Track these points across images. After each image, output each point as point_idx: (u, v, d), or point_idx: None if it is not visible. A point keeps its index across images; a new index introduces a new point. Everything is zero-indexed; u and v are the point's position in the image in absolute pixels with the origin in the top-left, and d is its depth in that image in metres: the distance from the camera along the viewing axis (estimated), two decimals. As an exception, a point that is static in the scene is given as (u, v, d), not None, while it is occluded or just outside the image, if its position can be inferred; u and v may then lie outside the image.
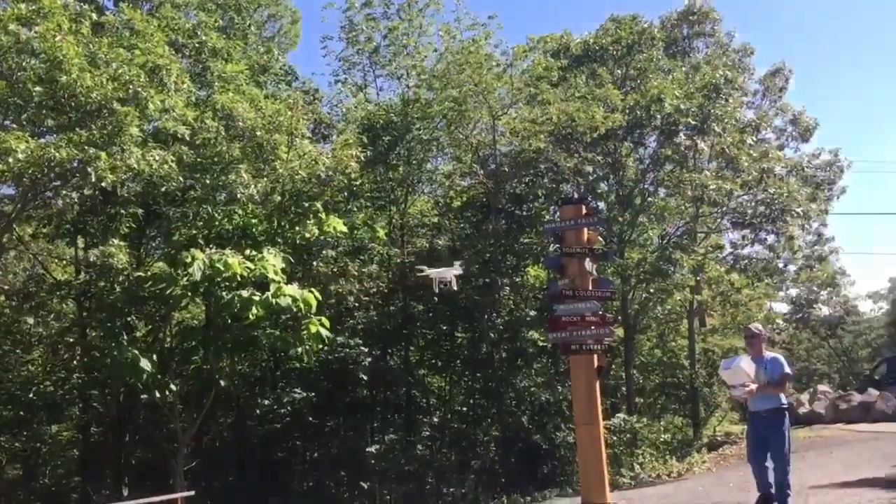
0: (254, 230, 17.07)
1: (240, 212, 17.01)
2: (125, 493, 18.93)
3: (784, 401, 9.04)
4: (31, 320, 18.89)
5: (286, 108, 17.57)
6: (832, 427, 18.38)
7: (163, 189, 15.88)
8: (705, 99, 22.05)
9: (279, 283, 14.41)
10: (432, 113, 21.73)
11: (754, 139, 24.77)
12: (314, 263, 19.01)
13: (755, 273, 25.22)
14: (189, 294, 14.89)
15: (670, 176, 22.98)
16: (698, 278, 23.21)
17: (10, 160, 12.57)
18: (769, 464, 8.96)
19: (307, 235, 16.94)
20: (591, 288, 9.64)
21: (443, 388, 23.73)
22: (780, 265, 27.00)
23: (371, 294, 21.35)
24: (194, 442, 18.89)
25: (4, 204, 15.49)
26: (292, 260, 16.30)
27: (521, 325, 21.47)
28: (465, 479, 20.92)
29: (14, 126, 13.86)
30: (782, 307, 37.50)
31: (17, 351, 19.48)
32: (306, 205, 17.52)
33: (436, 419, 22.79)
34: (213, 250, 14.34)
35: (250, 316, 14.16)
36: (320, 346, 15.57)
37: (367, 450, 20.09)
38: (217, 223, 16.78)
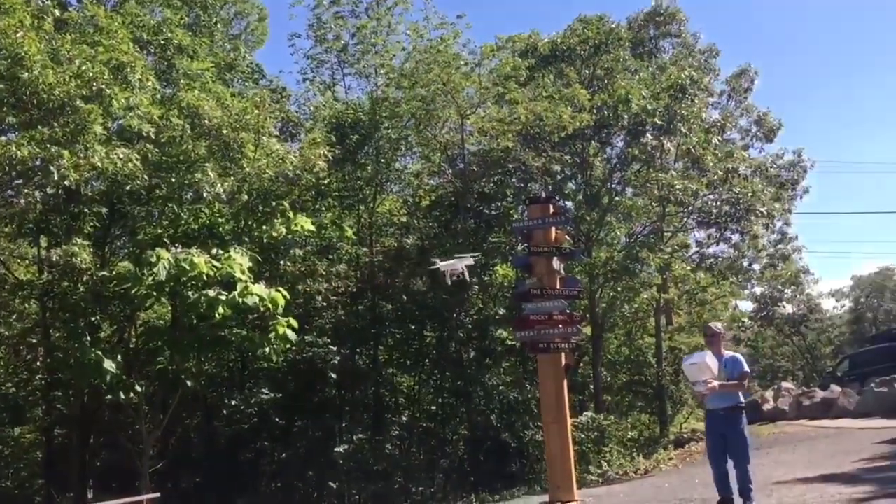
0: (220, 229, 16.91)
1: (206, 211, 16.84)
2: (90, 495, 18.70)
3: (741, 399, 9.15)
4: (-8, 321, 18.58)
5: (253, 106, 17.43)
6: (796, 423, 18.61)
7: (127, 188, 15.68)
8: (671, 99, 22.22)
9: (246, 282, 14.28)
10: (401, 112, 21.69)
11: (720, 139, 25.01)
12: (282, 263, 18.89)
13: (720, 272, 25.45)
14: (154, 294, 14.71)
15: (637, 175, 23.14)
16: (665, 277, 23.41)
17: (-29, 158, 12.36)
18: (729, 464, 9.07)
19: (275, 234, 16.82)
20: (558, 287, 9.69)
21: (411, 388, 23.71)
22: (745, 264, 27.27)
23: (339, 293, 21.28)
24: (160, 443, 18.70)
25: (-35, 203, 15.22)
26: (260, 259, 16.17)
27: (490, 324, 21.53)
28: (434, 478, 20.95)
29: (-26, 124, 13.63)
30: (747, 305, 38.03)
31: (-21, 352, 19.15)
32: (274, 204, 17.39)
33: (404, 418, 22.78)
34: (179, 249, 14.17)
35: (217, 316, 14.02)
36: (288, 347, 15.47)
37: (336, 449, 20.02)
38: (183, 222, 16.61)
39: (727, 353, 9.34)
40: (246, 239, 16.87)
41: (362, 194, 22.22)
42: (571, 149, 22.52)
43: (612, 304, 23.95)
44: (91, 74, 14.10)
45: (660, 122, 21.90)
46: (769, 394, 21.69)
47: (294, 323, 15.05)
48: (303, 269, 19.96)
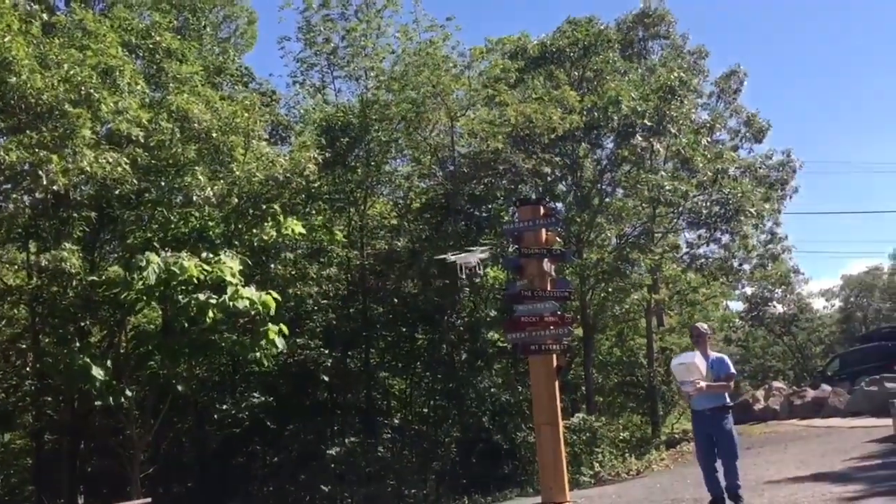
0: (210, 233, 16.86)
1: (196, 214, 16.78)
2: (80, 501, 18.61)
3: (727, 399, 9.20)
4: (-19, 326, 18.48)
5: (243, 109, 17.40)
6: (787, 423, 18.69)
7: (117, 192, 15.64)
8: (661, 101, 22.26)
9: (237, 285, 14.24)
10: (391, 115, 21.66)
11: (709, 140, 25.08)
12: (272, 266, 18.85)
13: (711, 272, 25.52)
14: (144, 298, 14.65)
15: (627, 177, 23.18)
16: (655, 278, 23.44)
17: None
18: (718, 464, 9.11)
19: (265, 238, 16.79)
20: (549, 288, 9.70)
21: (403, 390, 23.68)
22: (735, 264, 27.34)
23: (330, 296, 21.25)
24: (151, 448, 18.63)
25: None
26: (250, 263, 16.13)
27: (481, 326, 21.52)
28: (427, 481, 20.91)
29: (-38, 128, 13.57)
30: (738, 306, 38.11)
31: (-32, 358, 19.04)
32: (264, 207, 17.35)
33: (396, 421, 22.73)
34: (169, 253, 14.13)
35: (207, 320, 13.97)
36: (278, 351, 15.43)
37: (328, 453, 19.97)
38: (173, 226, 16.54)
39: (714, 354, 9.40)
40: (236, 243, 16.83)
41: (353, 197, 22.18)
42: (561, 150, 22.54)
43: (603, 306, 23.97)
44: (79, 78, 14.06)
45: (649, 124, 21.93)
46: (760, 393, 21.75)
47: (284, 329, 15.00)
48: (293, 272, 19.92)
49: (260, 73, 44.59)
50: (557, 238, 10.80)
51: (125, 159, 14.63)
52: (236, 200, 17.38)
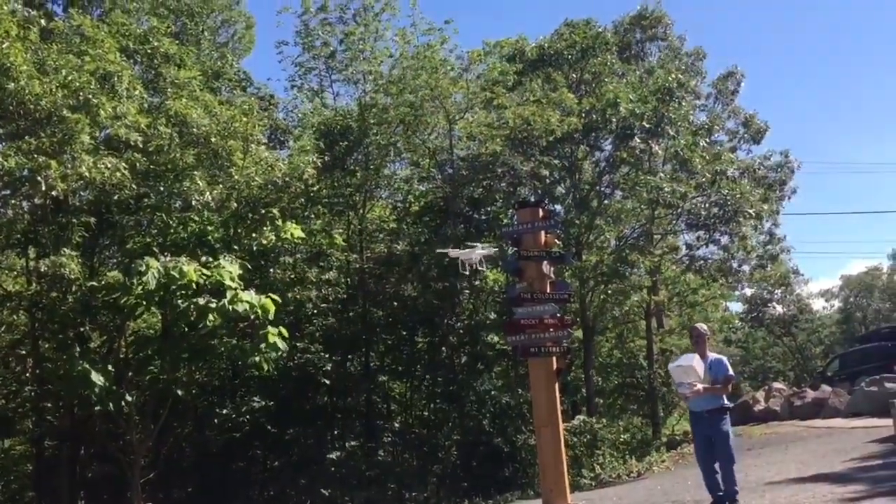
0: (210, 237, 16.85)
1: (195, 219, 16.78)
2: (81, 506, 18.57)
3: (725, 401, 9.19)
4: (-19, 332, 18.49)
5: (241, 113, 17.41)
6: (787, 424, 18.68)
7: (116, 197, 15.64)
8: (659, 102, 22.28)
9: (236, 289, 14.23)
10: (389, 118, 21.69)
11: (707, 142, 25.10)
12: (272, 270, 18.85)
13: (710, 273, 25.54)
14: (144, 303, 14.64)
15: (626, 178, 23.19)
16: (655, 279, 23.44)
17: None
18: (717, 466, 9.10)
19: (264, 242, 16.78)
20: (549, 291, 9.67)
21: (404, 394, 23.68)
22: (735, 265, 27.35)
23: (330, 300, 21.25)
24: (151, 453, 18.59)
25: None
26: (249, 267, 16.13)
27: (481, 329, 21.53)
28: (427, 484, 20.90)
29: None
30: (738, 307, 38.14)
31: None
32: (263, 211, 17.36)
33: (397, 424, 22.74)
34: (169, 258, 14.13)
35: (207, 324, 13.96)
36: (278, 355, 15.41)
37: (328, 457, 19.97)
38: (172, 231, 16.54)
39: (713, 355, 9.38)
40: (236, 247, 16.82)
41: (352, 201, 22.19)
42: (560, 153, 22.56)
43: (602, 308, 23.99)
44: (78, 84, 14.06)
45: (648, 126, 21.95)
46: (760, 394, 21.75)
47: (284, 331, 14.99)
48: (293, 276, 19.93)
49: (258, 78, 44.57)
50: (557, 240, 10.78)
51: (124, 164, 14.62)
52: (235, 205, 17.39)
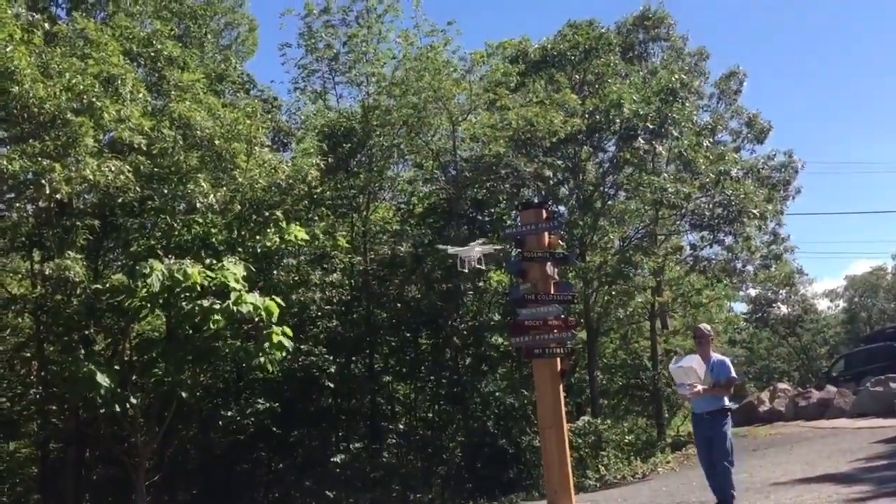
0: (214, 240, 16.87)
1: (199, 221, 16.80)
2: (86, 509, 18.58)
3: (726, 402, 9.13)
4: (-14, 335, 18.52)
5: (245, 116, 17.44)
6: (792, 424, 18.66)
7: (120, 200, 15.66)
8: (662, 103, 22.28)
9: (240, 291, 14.25)
10: (392, 120, 21.69)
11: (711, 142, 25.12)
12: (275, 273, 18.86)
13: (714, 274, 25.52)
14: (148, 305, 14.66)
15: (629, 179, 23.18)
16: (659, 280, 23.42)
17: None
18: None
19: (268, 244, 16.80)
20: (552, 292, 9.69)
21: (408, 395, 23.67)
22: (739, 266, 27.34)
23: (334, 302, 21.24)
24: (156, 456, 18.61)
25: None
26: (253, 269, 16.14)
27: (485, 330, 21.50)
28: (432, 486, 20.88)
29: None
30: (742, 307, 38.11)
31: (-28, 367, 19.06)
32: (267, 214, 17.38)
33: (401, 426, 22.72)
34: (173, 261, 14.15)
35: (211, 326, 13.98)
36: (283, 356, 15.42)
37: (333, 459, 19.95)
38: (176, 233, 16.56)
39: (716, 356, 9.31)
40: (239, 249, 16.85)
41: (355, 203, 22.20)
42: (563, 154, 22.56)
43: (606, 309, 23.97)
44: (81, 87, 14.10)
45: (651, 126, 21.95)
46: (765, 395, 21.73)
47: (289, 331, 15.00)
48: (297, 278, 19.93)
49: (261, 80, 44.66)
50: (560, 241, 10.78)
51: (128, 167, 14.66)
52: (239, 207, 17.41)
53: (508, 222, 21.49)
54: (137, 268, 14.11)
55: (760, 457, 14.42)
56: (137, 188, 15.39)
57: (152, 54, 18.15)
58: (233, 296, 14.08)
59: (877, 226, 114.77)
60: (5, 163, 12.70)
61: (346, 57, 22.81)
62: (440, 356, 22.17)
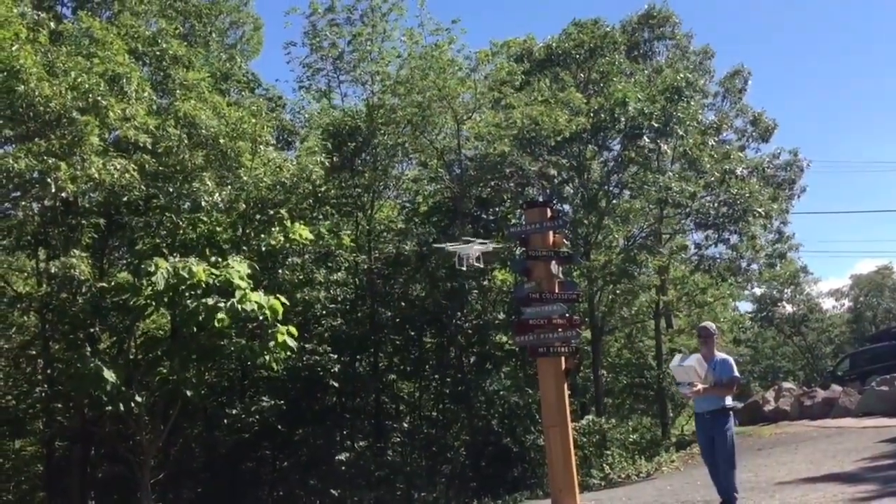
0: (219, 238, 16.90)
1: (204, 220, 16.84)
2: (91, 507, 18.63)
3: (728, 402, 9.05)
4: (-9, 334, 18.57)
5: (250, 115, 17.46)
6: (797, 423, 18.61)
7: (125, 198, 15.70)
8: (667, 102, 22.27)
9: (245, 289, 14.26)
10: (397, 118, 21.69)
11: (716, 140, 25.09)
12: (280, 271, 18.88)
13: (719, 273, 25.50)
14: (153, 304, 14.70)
15: (634, 178, 23.17)
16: (663, 279, 23.40)
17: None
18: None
19: (273, 243, 16.82)
20: (557, 290, 9.69)
21: (412, 394, 23.68)
22: (744, 265, 27.33)
23: (338, 301, 21.26)
24: (161, 454, 18.66)
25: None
26: (258, 268, 16.17)
27: (490, 329, 21.50)
28: (436, 484, 20.91)
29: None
30: (747, 306, 38.05)
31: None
32: (271, 212, 17.40)
33: (406, 425, 22.73)
34: (178, 259, 14.17)
35: (216, 324, 14.00)
36: (288, 355, 15.44)
37: (337, 457, 19.98)
38: (181, 232, 16.60)
39: (719, 355, 9.23)
40: (244, 248, 16.89)
41: (360, 201, 22.21)
42: (568, 152, 22.55)
43: (611, 308, 23.98)
44: (87, 86, 14.13)
45: (656, 125, 21.94)
46: (770, 394, 21.67)
47: (294, 330, 15.03)
48: (301, 277, 19.95)
49: (266, 79, 44.74)
50: (565, 240, 10.77)
51: (133, 166, 14.69)
52: (244, 206, 17.44)
53: (513, 221, 21.47)
54: (142, 266, 14.16)
55: (765, 456, 14.39)
56: (142, 187, 15.42)
57: (157, 53, 18.19)
58: (237, 294, 14.11)
59: (883, 225, 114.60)
60: (11, 161, 12.74)
61: (351, 56, 22.80)
62: (444, 355, 22.18)
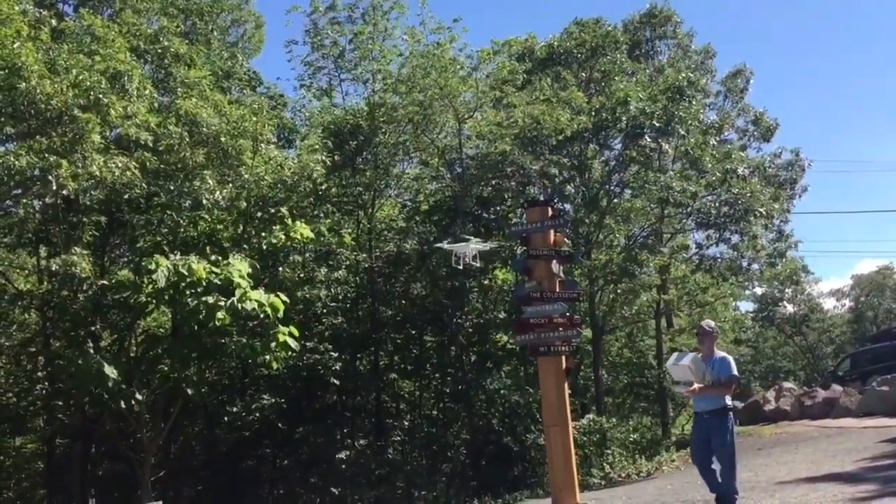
0: (220, 236, 16.91)
1: (205, 218, 16.85)
2: (91, 504, 18.65)
3: (728, 402, 8.96)
4: (-8, 331, 18.59)
5: (251, 113, 17.45)
6: (798, 423, 18.62)
7: (126, 196, 15.71)
8: (669, 101, 22.24)
9: (245, 288, 14.27)
10: (398, 117, 21.67)
11: (717, 140, 25.07)
12: (281, 270, 18.90)
13: (720, 273, 25.48)
14: (154, 301, 14.72)
15: (636, 177, 23.16)
16: (664, 278, 23.38)
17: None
18: (715, 465, 8.98)
19: (274, 241, 16.82)
20: (558, 290, 9.68)
21: (413, 393, 23.69)
22: (745, 264, 27.30)
23: (339, 299, 21.26)
24: (162, 451, 18.68)
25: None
26: (259, 266, 16.17)
27: (490, 328, 21.50)
28: (437, 483, 20.90)
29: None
30: (748, 306, 38.02)
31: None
32: (272, 210, 17.40)
33: (406, 423, 22.74)
34: (178, 257, 14.18)
35: (217, 322, 14.00)
36: (289, 354, 15.45)
37: (338, 455, 19.98)
38: (182, 230, 16.61)
39: (719, 354, 9.13)
40: (245, 246, 16.88)
41: (361, 200, 22.20)
42: (569, 151, 22.54)
43: (612, 307, 23.96)
44: (88, 84, 14.14)
45: (658, 124, 21.91)
46: (771, 394, 21.68)
47: (295, 331, 15.02)
48: (302, 275, 19.95)
49: (268, 77, 44.71)
50: (566, 239, 10.76)
51: (134, 164, 14.70)
52: (245, 204, 17.43)
53: (514, 220, 21.45)
54: (143, 264, 14.16)
55: (766, 456, 14.39)
56: (144, 185, 15.43)
57: (159, 51, 18.19)
58: (238, 292, 14.12)
59: (884, 225, 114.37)
60: (12, 159, 12.74)
61: (352, 54, 22.78)
62: (445, 354, 22.18)
